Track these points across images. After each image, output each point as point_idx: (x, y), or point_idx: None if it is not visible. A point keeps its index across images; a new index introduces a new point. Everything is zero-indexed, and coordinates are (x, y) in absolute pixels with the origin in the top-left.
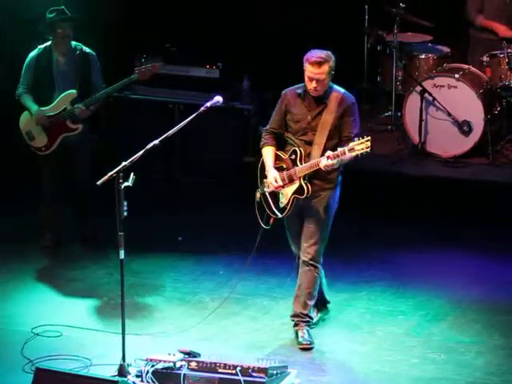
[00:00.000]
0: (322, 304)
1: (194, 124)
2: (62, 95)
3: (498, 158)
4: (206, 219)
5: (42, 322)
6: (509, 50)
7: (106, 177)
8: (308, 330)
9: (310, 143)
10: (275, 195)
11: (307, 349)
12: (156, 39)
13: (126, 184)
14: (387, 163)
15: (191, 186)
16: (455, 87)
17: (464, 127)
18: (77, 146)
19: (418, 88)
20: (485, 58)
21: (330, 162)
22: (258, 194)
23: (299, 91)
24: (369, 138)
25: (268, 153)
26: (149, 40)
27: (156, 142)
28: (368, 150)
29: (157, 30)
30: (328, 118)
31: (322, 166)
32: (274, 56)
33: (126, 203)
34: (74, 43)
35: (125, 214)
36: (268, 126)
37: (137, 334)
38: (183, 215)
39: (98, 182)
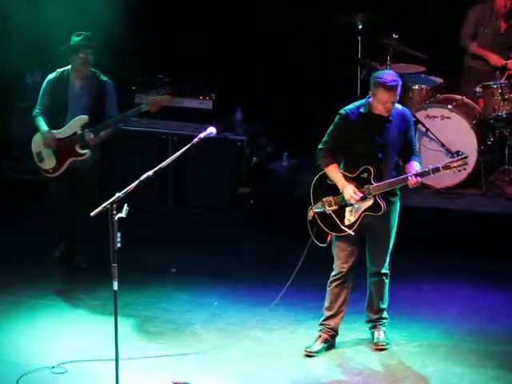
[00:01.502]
0: (330, 335)
1: (187, 155)
2: (73, 119)
3: (491, 189)
4: (199, 250)
5: (34, 356)
6: (502, 81)
7: (99, 208)
8: (385, 331)
9: (380, 161)
10: (340, 213)
11: (381, 349)
12: (149, 70)
13: (119, 215)
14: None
15: (184, 217)
16: (448, 118)
17: None
18: (85, 173)
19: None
20: (478, 89)
21: (419, 180)
22: (310, 213)
23: (362, 110)
24: (467, 155)
25: (336, 170)
26: (142, 71)
27: (150, 173)
28: (465, 166)
29: (150, 61)
30: (395, 134)
31: (412, 183)
32: (266, 88)
33: (119, 234)
34: (92, 70)
35: (118, 245)
36: (325, 146)
37: (130, 360)
38: (177, 246)
39: (92, 213)
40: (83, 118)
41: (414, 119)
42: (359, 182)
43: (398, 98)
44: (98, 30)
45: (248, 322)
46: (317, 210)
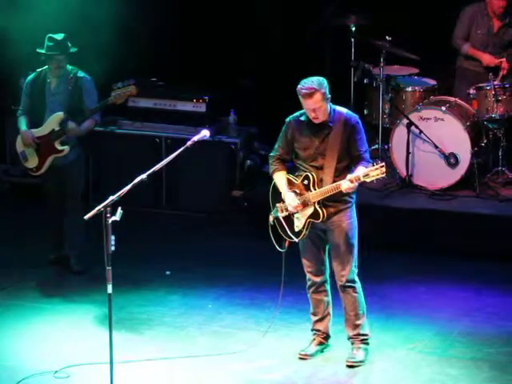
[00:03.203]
0: (323, 338)
1: (180, 158)
2: (50, 117)
3: (484, 191)
4: (193, 253)
5: (29, 359)
6: (495, 83)
7: (93, 211)
8: (363, 348)
9: (320, 168)
10: (290, 219)
11: (350, 366)
12: (142, 73)
13: (113, 218)
14: (374, 196)
15: (178, 220)
16: (442, 120)
17: (451, 160)
18: (67, 170)
19: (405, 121)
20: (471, 91)
21: (352, 185)
22: (271, 218)
23: (302, 118)
24: (383, 163)
25: (281, 177)
26: (135, 74)
27: (144, 176)
28: (383, 175)
29: (143, 64)
30: (335, 140)
31: (343, 189)
32: (259, 90)
33: (113, 237)
34: (70, 67)
35: (112, 248)
36: (275, 153)
37: (125, 363)
38: (170, 249)
39: (86, 217)
40: (59, 115)
41: (407, 121)
42: (302, 189)
43: (320, 105)
44: (90, 33)
45: (242, 324)
46: (275, 215)
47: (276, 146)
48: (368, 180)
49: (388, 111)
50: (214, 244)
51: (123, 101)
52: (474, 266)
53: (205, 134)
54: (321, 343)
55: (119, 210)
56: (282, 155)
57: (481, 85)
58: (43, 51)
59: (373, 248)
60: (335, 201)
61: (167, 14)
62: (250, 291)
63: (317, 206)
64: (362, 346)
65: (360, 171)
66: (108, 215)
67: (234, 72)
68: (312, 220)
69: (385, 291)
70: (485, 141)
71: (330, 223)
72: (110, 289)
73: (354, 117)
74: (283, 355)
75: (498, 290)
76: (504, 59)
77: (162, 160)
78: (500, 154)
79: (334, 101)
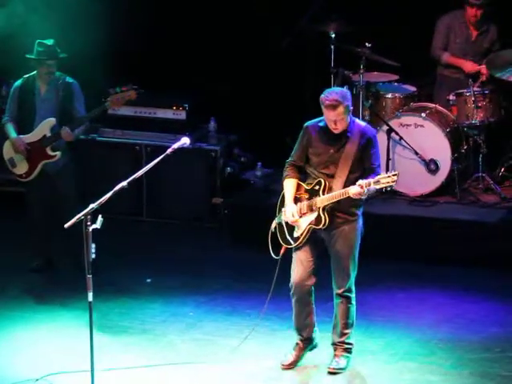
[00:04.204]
0: (306, 346)
1: (161, 165)
2: (41, 123)
3: (465, 197)
4: (174, 260)
5: (11, 368)
6: (475, 89)
7: (73, 219)
8: (345, 356)
9: (331, 176)
10: (290, 225)
11: (332, 373)
12: (122, 81)
13: (94, 226)
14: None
15: (158, 228)
16: (422, 126)
17: (431, 166)
18: (59, 175)
19: (385, 127)
20: (451, 97)
21: (361, 190)
22: (273, 224)
23: (321, 124)
24: (396, 172)
25: (289, 185)
26: (115, 82)
27: (124, 183)
28: (393, 184)
29: (123, 72)
30: (350, 150)
31: (351, 193)
32: (240, 98)
33: (94, 245)
34: (58, 73)
35: (93, 256)
36: (290, 159)
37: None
38: (151, 256)
39: (66, 225)
40: (51, 121)
41: (387, 128)
42: (312, 194)
43: (342, 117)
44: (70, 42)
45: (223, 331)
46: (278, 221)
47: (292, 152)
48: (378, 187)
49: (368, 118)
50: (195, 251)
51: (121, 105)
52: (455, 272)
53: (185, 141)
54: (302, 350)
55: (99, 218)
56: (297, 161)
57: (460, 91)
58: (33, 56)
59: None
60: (343, 212)
61: (146, 21)
62: (231, 298)
63: (321, 212)
64: (345, 354)
65: (366, 180)
66: (88, 223)
67: (214, 79)
68: (313, 226)
69: (365, 298)
70: (465, 147)
71: (335, 233)
72: (90, 297)
73: (372, 130)
74: (265, 362)
75: (479, 296)
76: (484, 66)
77: (142, 167)
78: (480, 159)
79: (314, 107)
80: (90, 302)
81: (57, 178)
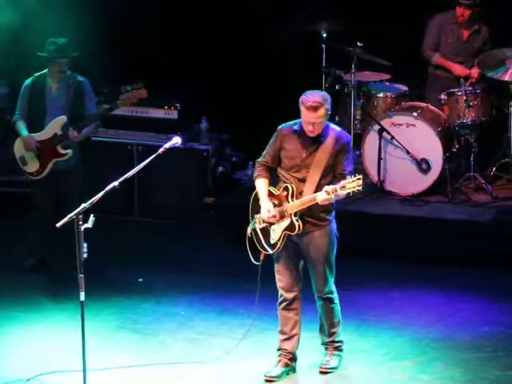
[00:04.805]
0: (289, 359)
1: (152, 165)
2: (52, 121)
3: (456, 196)
4: (165, 260)
5: (3, 366)
6: (466, 88)
7: (65, 219)
8: (336, 355)
9: (302, 180)
10: (266, 231)
11: (324, 372)
12: (114, 81)
13: (85, 226)
14: (347, 202)
15: (150, 227)
16: (413, 125)
17: (423, 165)
18: (69, 173)
19: (377, 127)
20: (443, 96)
21: (328, 196)
22: (248, 229)
23: (295, 127)
24: (360, 176)
25: (261, 184)
26: (107, 82)
27: (115, 183)
28: (359, 188)
29: (115, 72)
30: (323, 155)
31: (319, 200)
32: (231, 97)
33: (86, 245)
34: (69, 72)
35: (85, 255)
36: (261, 159)
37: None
38: (143, 256)
39: (58, 224)
40: (62, 119)
41: (379, 127)
42: (282, 200)
43: (321, 120)
44: (63, 41)
45: (215, 331)
46: (252, 227)
47: (264, 153)
48: (344, 192)
49: (359, 117)
50: (187, 251)
51: (131, 103)
52: (447, 271)
53: (176, 141)
54: (287, 365)
55: (91, 218)
56: (268, 162)
57: (452, 90)
58: (44, 55)
59: (345, 254)
60: (314, 217)
61: (137, 20)
62: (222, 298)
63: (293, 218)
64: (336, 352)
65: (332, 186)
66: (80, 222)
67: (206, 79)
68: (288, 232)
69: (358, 297)
70: (456, 146)
71: (307, 239)
72: (82, 296)
73: (347, 136)
74: (257, 361)
75: (471, 296)
76: (474, 69)
77: (134, 167)
78: (472, 159)
79: None
80: (81, 302)
81: (66, 176)
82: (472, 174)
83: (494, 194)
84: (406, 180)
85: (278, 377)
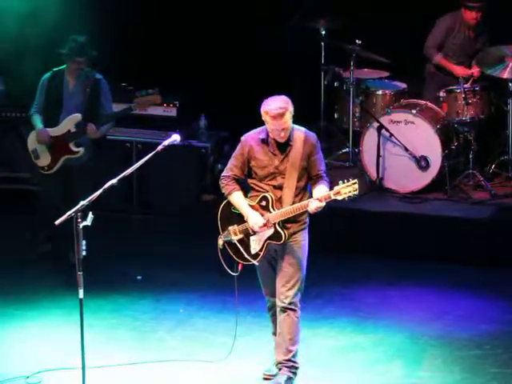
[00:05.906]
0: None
1: (151, 162)
2: (67, 118)
3: (455, 194)
4: (164, 257)
5: (3, 364)
6: (465, 86)
7: (64, 216)
8: (289, 377)
9: (279, 187)
10: (244, 242)
11: None
12: (112, 79)
13: (84, 223)
14: (345, 200)
15: (149, 224)
16: (412, 123)
17: (421, 163)
18: (80, 171)
19: (375, 124)
20: (441, 94)
21: (320, 204)
22: (220, 241)
23: (261, 136)
24: (355, 180)
25: (240, 197)
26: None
27: (114, 181)
28: (356, 192)
29: (113, 69)
30: (295, 159)
31: (311, 208)
32: (230, 95)
33: (84, 242)
34: (87, 69)
35: (84, 253)
36: (229, 173)
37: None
38: (142, 253)
39: (57, 222)
40: (77, 116)
41: (378, 125)
42: (258, 210)
43: (288, 124)
44: (61, 40)
45: (214, 328)
46: (226, 239)
47: (230, 166)
48: (339, 198)
49: (358, 115)
50: (185, 248)
51: (145, 108)
52: (446, 268)
53: (175, 138)
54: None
55: (90, 215)
56: (237, 174)
57: (451, 88)
58: (64, 51)
59: (343, 251)
60: (293, 222)
61: (136, 19)
62: (221, 296)
63: (278, 228)
64: (289, 374)
65: (323, 190)
66: (79, 220)
67: (205, 77)
68: (271, 242)
69: (356, 294)
70: (455, 143)
71: (284, 244)
72: (81, 294)
73: (313, 136)
74: (256, 360)
75: (470, 293)
76: (474, 68)
77: (132, 164)
78: (471, 156)
79: (305, 106)
80: (80, 299)
81: (77, 174)
82: (471, 171)
83: (492, 191)
84: (404, 177)
85: (276, 375)
